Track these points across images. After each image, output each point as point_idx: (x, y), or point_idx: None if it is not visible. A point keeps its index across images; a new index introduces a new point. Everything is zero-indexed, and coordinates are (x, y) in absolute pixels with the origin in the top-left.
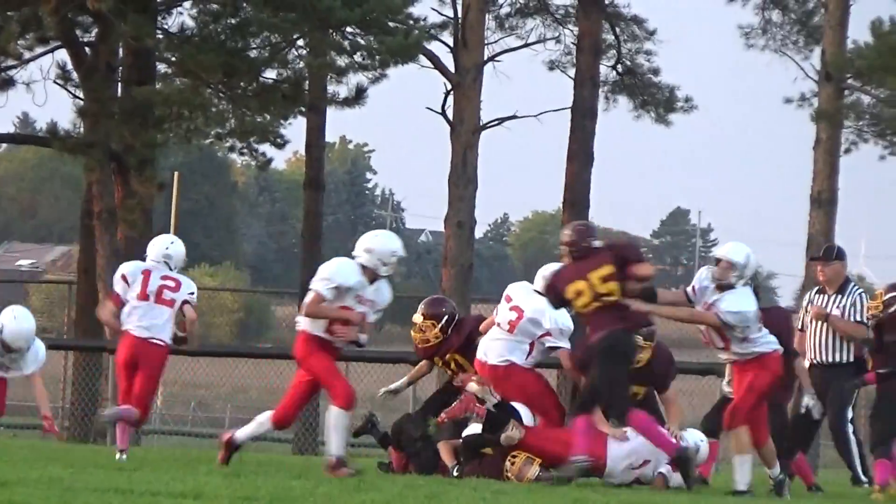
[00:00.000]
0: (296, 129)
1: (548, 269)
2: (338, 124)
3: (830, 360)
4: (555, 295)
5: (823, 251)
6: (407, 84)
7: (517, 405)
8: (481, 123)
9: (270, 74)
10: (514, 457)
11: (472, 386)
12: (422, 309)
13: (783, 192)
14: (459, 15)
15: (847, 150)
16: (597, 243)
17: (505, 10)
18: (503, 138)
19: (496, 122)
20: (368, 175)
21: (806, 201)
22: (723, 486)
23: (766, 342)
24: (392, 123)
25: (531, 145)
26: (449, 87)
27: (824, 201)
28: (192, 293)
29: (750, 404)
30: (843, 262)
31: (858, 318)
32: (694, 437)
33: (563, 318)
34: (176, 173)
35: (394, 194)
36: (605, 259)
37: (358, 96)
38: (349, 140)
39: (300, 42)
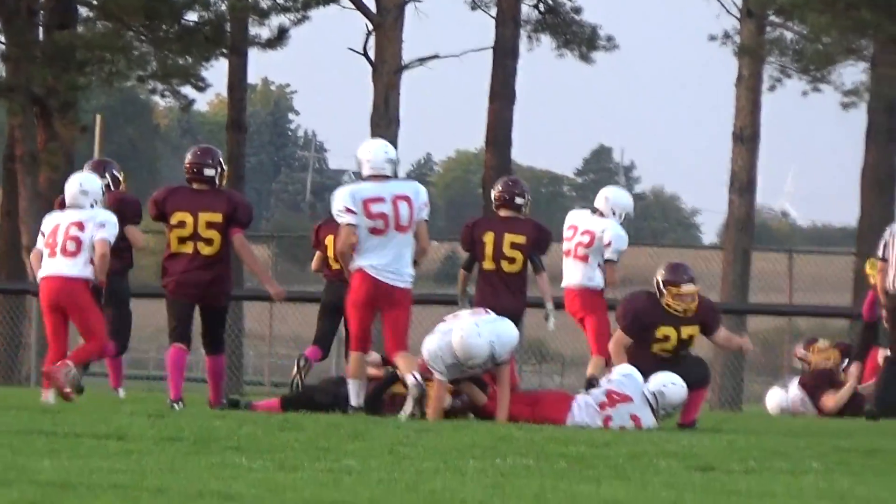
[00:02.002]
0: (218, 72)
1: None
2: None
3: None
4: (467, 240)
5: None
6: (329, 25)
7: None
8: (403, 63)
9: (192, 17)
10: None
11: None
12: None
13: (706, 129)
14: None
15: (771, 87)
16: (520, 201)
17: None
18: (425, 78)
19: (418, 62)
20: (291, 116)
21: (729, 138)
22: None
23: None
24: (314, 65)
25: (454, 85)
26: (370, 27)
27: (747, 138)
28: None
29: None
30: None
31: None
32: (664, 381)
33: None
34: (98, 116)
35: (316, 135)
36: (525, 229)
37: (280, 38)
38: (271, 82)
39: None
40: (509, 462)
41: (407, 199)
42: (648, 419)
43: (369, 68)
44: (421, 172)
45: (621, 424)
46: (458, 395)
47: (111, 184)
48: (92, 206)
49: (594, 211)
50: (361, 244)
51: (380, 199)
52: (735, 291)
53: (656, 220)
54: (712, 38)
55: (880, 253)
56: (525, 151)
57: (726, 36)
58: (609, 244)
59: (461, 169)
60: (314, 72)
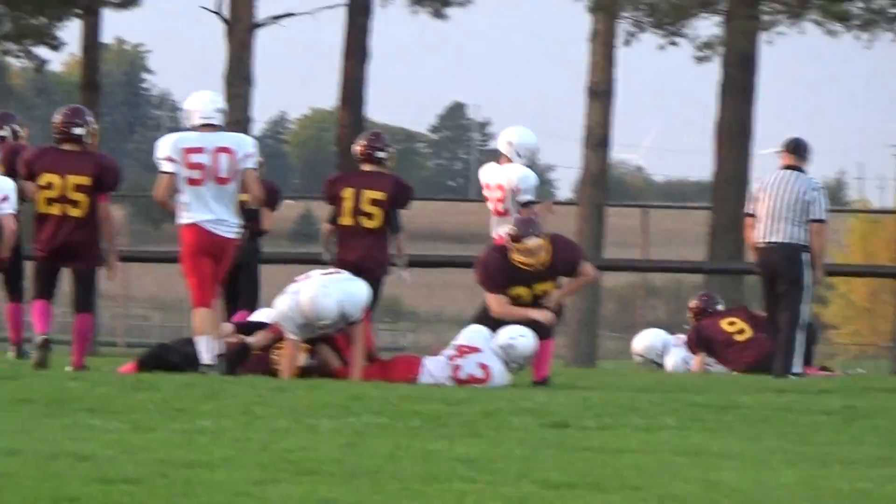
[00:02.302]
0: (72, 31)
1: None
2: (115, 26)
3: None
4: (329, 194)
5: None
6: None
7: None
8: (256, 21)
9: None
10: (278, 347)
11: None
12: None
13: (561, 84)
14: None
15: (626, 42)
16: (382, 155)
17: None
18: (279, 36)
19: (272, 20)
20: (145, 76)
21: (584, 93)
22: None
23: None
24: (169, 24)
25: (308, 43)
26: None
27: (601, 93)
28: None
29: None
30: None
31: None
32: (512, 333)
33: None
34: None
35: (171, 95)
36: (384, 185)
37: None
38: (126, 41)
39: None
40: (363, 421)
41: (228, 150)
42: (499, 371)
43: (223, 27)
44: (275, 131)
45: (470, 373)
46: (314, 355)
47: (11, 136)
48: None
49: (499, 159)
50: (182, 195)
51: (199, 150)
52: (590, 247)
53: None
54: None
55: (750, 209)
56: (379, 109)
57: None
58: (518, 190)
59: (315, 127)
60: (169, 31)
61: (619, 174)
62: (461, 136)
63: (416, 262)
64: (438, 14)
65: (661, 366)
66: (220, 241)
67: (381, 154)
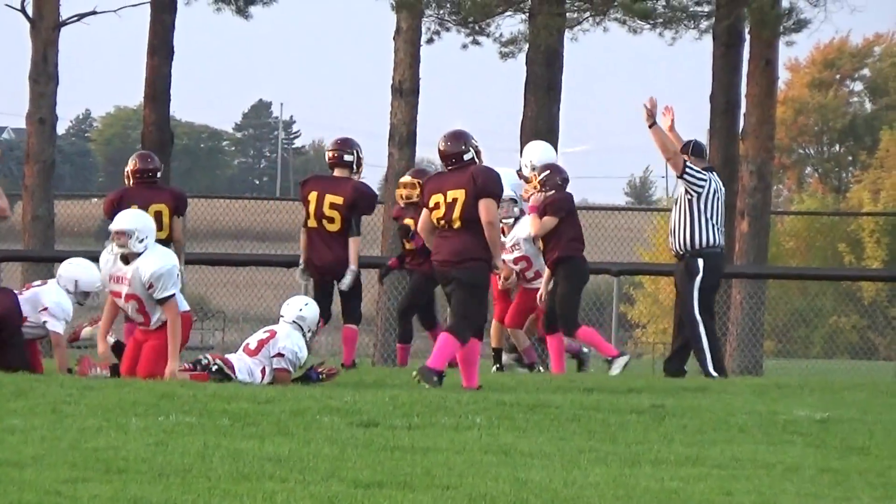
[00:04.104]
0: None
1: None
2: None
3: None
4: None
5: None
6: None
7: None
8: (61, 19)
9: None
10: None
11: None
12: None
13: (366, 82)
14: None
15: (429, 40)
16: (349, 158)
17: None
18: (84, 34)
19: (76, 18)
20: None
21: (388, 91)
22: None
23: None
24: None
25: (112, 40)
26: None
27: (406, 91)
28: None
29: None
30: None
31: None
32: (297, 305)
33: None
34: None
35: None
36: (345, 190)
37: None
38: None
39: None
40: (172, 419)
41: None
42: (296, 340)
43: (27, 24)
44: (80, 129)
45: (272, 356)
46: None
47: None
48: None
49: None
50: None
51: None
52: (391, 245)
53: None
54: None
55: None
56: (184, 107)
57: None
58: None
59: (120, 125)
60: None
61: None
62: (266, 134)
63: (223, 261)
64: (241, 12)
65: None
66: None
67: (348, 158)
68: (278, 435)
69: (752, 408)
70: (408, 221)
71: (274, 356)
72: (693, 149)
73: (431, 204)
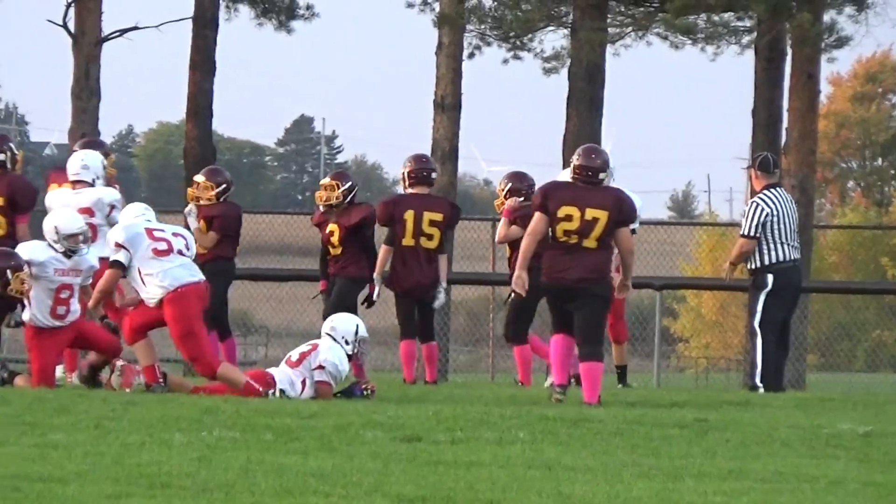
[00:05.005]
0: None
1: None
2: None
3: None
4: (386, 217)
5: None
6: None
7: None
8: (103, 35)
9: None
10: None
11: None
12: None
13: (408, 97)
14: None
15: (471, 55)
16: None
17: None
18: (126, 49)
19: (118, 34)
20: None
21: (430, 107)
22: None
23: None
24: (15, 37)
25: (154, 56)
26: None
27: (448, 106)
28: None
29: None
30: None
31: None
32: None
33: None
34: None
35: (17, 108)
36: (441, 206)
37: None
38: None
39: None
40: (216, 435)
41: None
42: (337, 353)
43: (69, 40)
44: (123, 144)
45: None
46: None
47: (8, 161)
48: None
49: None
50: None
51: None
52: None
53: (360, 189)
54: (409, 5)
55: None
56: (226, 122)
57: (425, 3)
58: None
59: (163, 140)
60: (15, 44)
61: (467, 187)
62: (308, 149)
63: (266, 276)
64: (283, 27)
65: None
66: None
67: (433, 175)
68: (322, 450)
69: (795, 422)
70: (331, 228)
71: (315, 368)
72: (760, 164)
73: (561, 214)
